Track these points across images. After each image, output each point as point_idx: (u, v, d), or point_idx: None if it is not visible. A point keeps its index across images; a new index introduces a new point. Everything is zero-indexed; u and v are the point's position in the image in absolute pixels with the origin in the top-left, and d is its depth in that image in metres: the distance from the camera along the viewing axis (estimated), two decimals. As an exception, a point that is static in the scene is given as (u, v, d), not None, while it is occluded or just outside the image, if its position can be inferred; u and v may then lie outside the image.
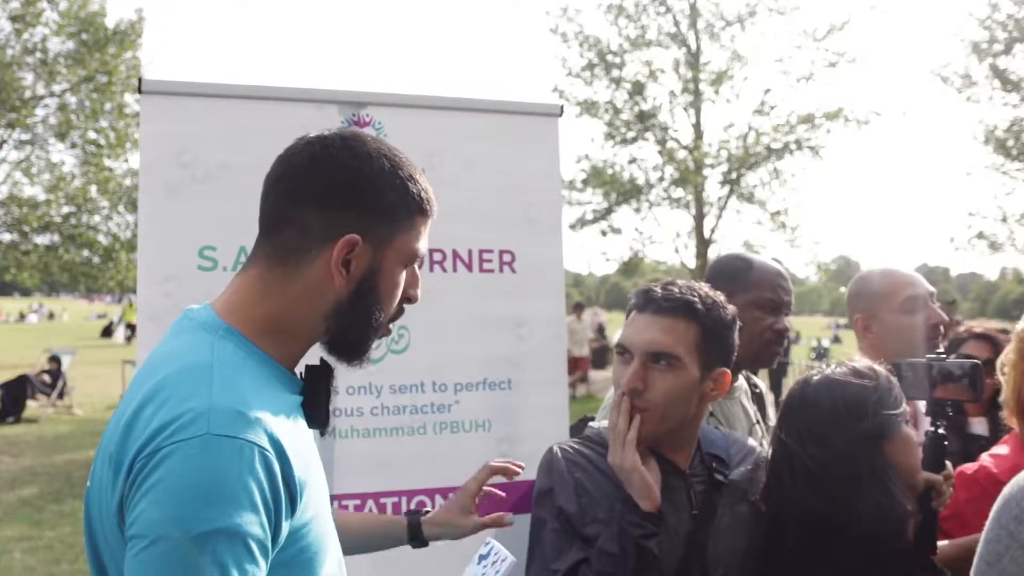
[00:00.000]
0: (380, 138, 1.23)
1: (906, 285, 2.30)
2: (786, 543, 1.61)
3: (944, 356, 1.91)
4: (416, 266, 1.24)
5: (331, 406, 1.22)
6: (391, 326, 1.25)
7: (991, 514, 1.17)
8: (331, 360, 1.22)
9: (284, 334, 1.14)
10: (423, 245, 1.22)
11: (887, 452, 1.56)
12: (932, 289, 2.33)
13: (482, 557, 1.71)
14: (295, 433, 1.08)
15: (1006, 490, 1.19)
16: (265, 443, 0.99)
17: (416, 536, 1.72)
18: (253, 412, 1.00)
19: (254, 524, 0.95)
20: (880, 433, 1.56)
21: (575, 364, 14.68)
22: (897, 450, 1.57)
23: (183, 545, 0.91)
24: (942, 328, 2.28)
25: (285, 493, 1.00)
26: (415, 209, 1.19)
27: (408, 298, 1.24)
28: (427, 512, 1.76)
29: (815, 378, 1.66)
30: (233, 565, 0.93)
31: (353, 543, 1.51)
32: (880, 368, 1.64)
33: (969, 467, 2.09)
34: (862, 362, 1.67)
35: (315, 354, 1.23)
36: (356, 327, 1.17)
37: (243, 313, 1.13)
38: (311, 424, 1.18)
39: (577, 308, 17.05)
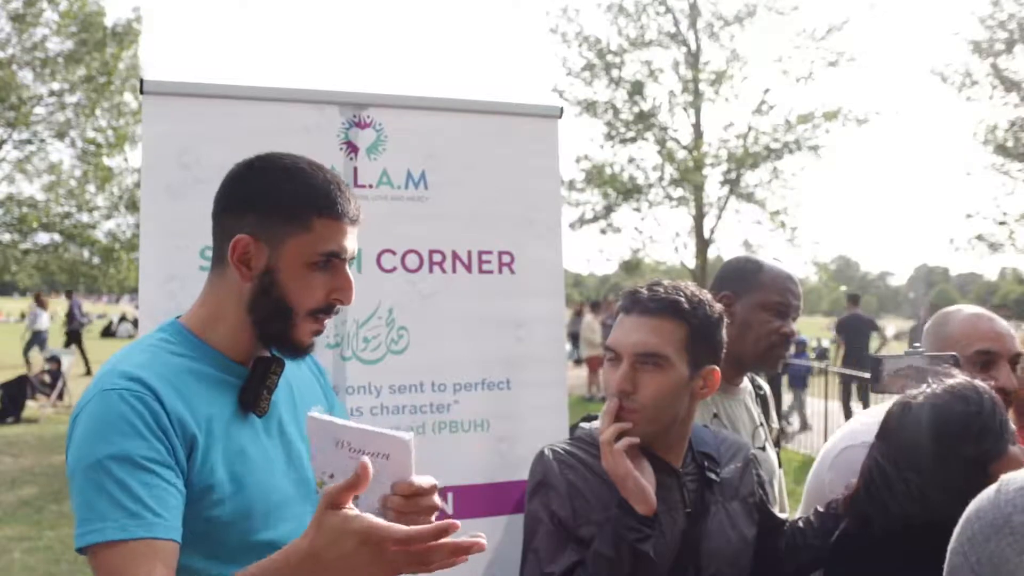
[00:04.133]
0: (300, 157, 1.36)
1: (983, 338, 2.06)
2: (880, 549, 1.60)
3: (923, 350, 1.92)
4: (347, 267, 1.34)
5: (264, 392, 1.35)
6: (326, 322, 1.36)
7: (954, 535, 1.16)
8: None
9: (222, 327, 1.34)
10: (333, 246, 1.31)
11: (995, 476, 1.55)
12: (1020, 350, 2.09)
13: (338, 443, 1.48)
14: (202, 399, 1.27)
15: (964, 515, 1.18)
16: (144, 389, 1.19)
17: None
18: (141, 371, 1.22)
19: (142, 447, 1.16)
20: (986, 461, 1.53)
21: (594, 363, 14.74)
22: (1004, 471, 1.56)
23: (85, 473, 1.14)
24: (1009, 392, 2.03)
25: (177, 429, 1.20)
26: (309, 210, 1.29)
27: (337, 299, 1.34)
28: None
29: (916, 401, 1.62)
30: (129, 478, 1.13)
31: None
32: (983, 387, 1.61)
33: None
34: (960, 380, 1.63)
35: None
36: (271, 320, 1.32)
37: (194, 313, 1.37)
38: (241, 406, 1.33)
39: (594, 307, 16.98)
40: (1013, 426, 1.65)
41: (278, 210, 1.30)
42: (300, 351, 1.36)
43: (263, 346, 1.37)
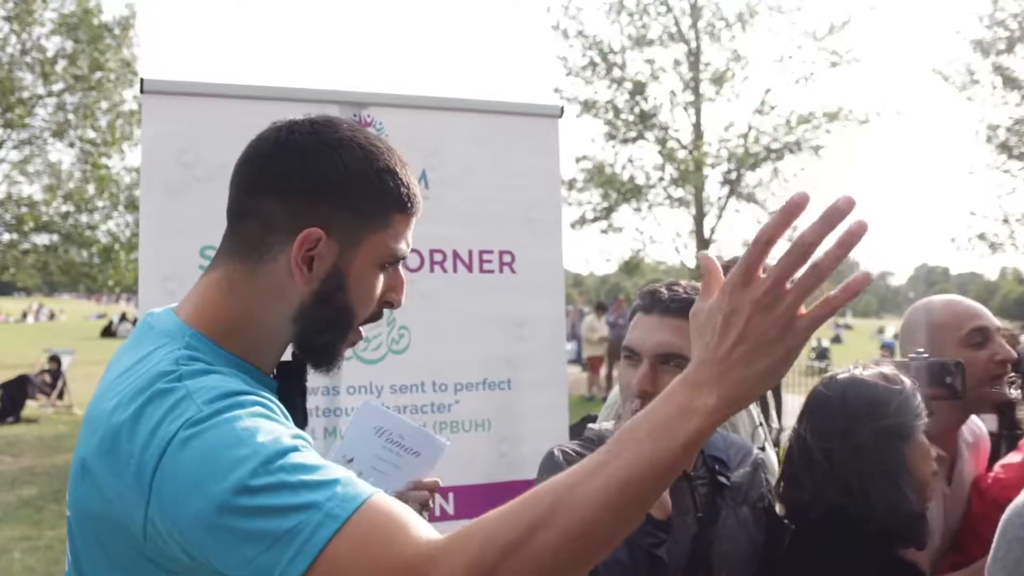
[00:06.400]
0: (359, 126, 1.11)
1: (972, 316, 2.09)
2: (798, 537, 1.62)
3: (927, 355, 1.92)
4: (400, 267, 1.14)
5: (306, 404, 1.15)
6: (363, 330, 1.14)
7: (996, 535, 1.19)
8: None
9: (251, 335, 1.07)
10: (404, 245, 1.10)
11: (904, 454, 1.57)
12: (998, 324, 2.12)
13: (380, 430, 1.43)
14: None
15: (1006, 514, 1.23)
16: (256, 395, 0.95)
17: None
18: (234, 387, 0.95)
19: (293, 432, 0.92)
20: (898, 433, 1.57)
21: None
22: (913, 455, 1.58)
23: (249, 494, 0.84)
24: (1009, 365, 2.05)
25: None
26: (391, 205, 1.07)
27: (388, 302, 1.13)
28: None
29: (841, 376, 1.68)
30: (310, 460, 0.88)
31: None
32: (906, 377, 1.66)
33: (984, 478, 2.09)
34: (888, 367, 1.68)
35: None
36: (322, 331, 1.08)
37: (209, 317, 1.06)
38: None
39: (599, 308, 16.94)
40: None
41: (363, 202, 1.05)
42: (336, 365, 1.12)
43: (283, 353, 1.14)
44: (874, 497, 1.54)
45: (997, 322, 2.12)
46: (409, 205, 1.09)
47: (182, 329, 1.04)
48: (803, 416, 1.69)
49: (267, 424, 0.91)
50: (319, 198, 1.04)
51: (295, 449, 0.88)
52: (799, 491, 1.63)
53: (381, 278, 1.10)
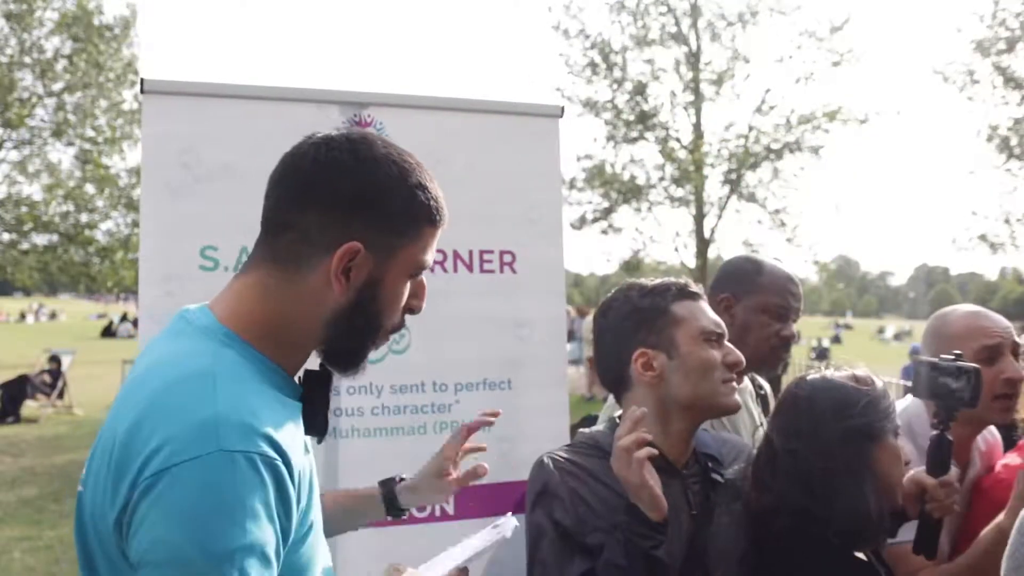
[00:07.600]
0: (390, 142, 1.18)
1: (987, 333, 2.02)
2: (771, 539, 1.62)
3: (952, 357, 1.88)
4: (422, 276, 1.21)
5: (328, 412, 1.20)
6: (390, 336, 1.21)
7: (1014, 531, 1.20)
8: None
9: (284, 339, 1.12)
10: (430, 256, 1.19)
11: (871, 456, 1.57)
12: (1020, 341, 2.07)
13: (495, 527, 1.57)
14: (296, 440, 1.07)
15: None
16: (274, 453, 0.98)
17: (392, 505, 1.66)
18: (261, 423, 0.99)
19: (269, 533, 0.97)
20: (865, 434, 1.57)
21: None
22: (882, 457, 1.58)
23: (205, 566, 0.91)
24: (1017, 383, 1.99)
25: (294, 500, 1.02)
26: (423, 219, 1.15)
27: (411, 308, 1.20)
28: (402, 480, 1.70)
29: (810, 377, 1.69)
30: None
31: (329, 525, 1.34)
32: (879, 379, 1.66)
33: (986, 479, 2.08)
34: (862, 369, 1.68)
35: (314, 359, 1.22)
36: (354, 336, 1.15)
37: (243, 318, 1.11)
38: (308, 431, 1.15)
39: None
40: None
41: (391, 218, 1.12)
42: (361, 369, 1.20)
43: (308, 357, 1.19)
44: (836, 498, 1.53)
45: (1017, 339, 2.05)
46: (438, 218, 1.18)
47: (217, 327, 1.10)
48: (773, 417, 1.70)
49: (262, 523, 0.96)
50: (357, 213, 1.10)
51: (262, 559, 0.95)
52: (766, 494, 1.63)
53: (408, 286, 1.18)
